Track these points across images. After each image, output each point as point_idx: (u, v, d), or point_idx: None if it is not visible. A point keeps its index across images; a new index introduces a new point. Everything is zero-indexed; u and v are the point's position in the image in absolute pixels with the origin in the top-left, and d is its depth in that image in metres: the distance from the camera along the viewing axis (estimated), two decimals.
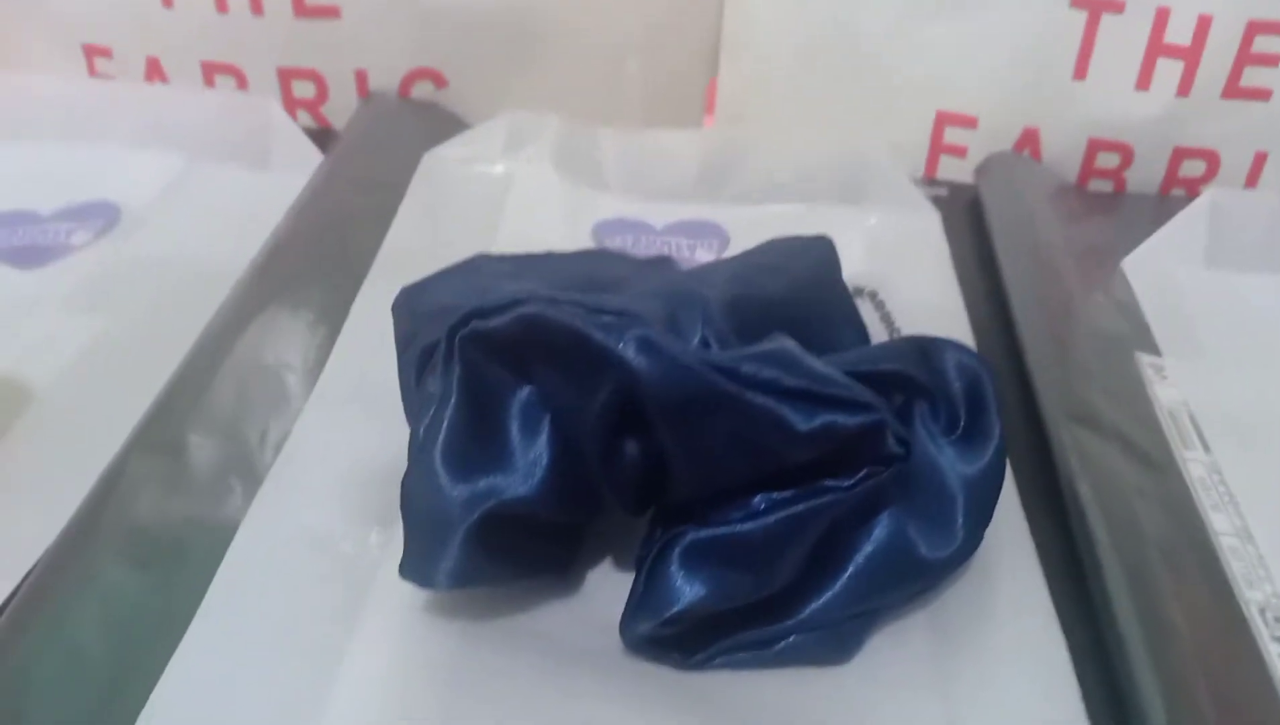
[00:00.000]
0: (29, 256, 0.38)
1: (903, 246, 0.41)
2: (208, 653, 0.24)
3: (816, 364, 0.22)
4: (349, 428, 0.31)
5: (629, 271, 0.32)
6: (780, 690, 0.25)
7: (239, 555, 0.26)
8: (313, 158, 0.45)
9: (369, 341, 0.34)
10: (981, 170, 0.47)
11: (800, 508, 0.23)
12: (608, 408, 0.22)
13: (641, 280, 0.31)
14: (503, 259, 0.33)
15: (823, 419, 0.22)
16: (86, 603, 0.25)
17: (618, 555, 0.28)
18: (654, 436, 0.23)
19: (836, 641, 0.25)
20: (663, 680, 0.25)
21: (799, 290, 0.32)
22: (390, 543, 0.27)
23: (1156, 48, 0.44)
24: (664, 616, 0.23)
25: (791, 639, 0.25)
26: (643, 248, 0.42)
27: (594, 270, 0.32)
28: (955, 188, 0.47)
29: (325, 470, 0.29)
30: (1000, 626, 0.26)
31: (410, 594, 0.26)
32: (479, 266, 0.32)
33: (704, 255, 0.42)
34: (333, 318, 0.35)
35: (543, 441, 0.24)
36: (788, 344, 0.23)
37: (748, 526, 0.23)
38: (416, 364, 0.29)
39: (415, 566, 0.24)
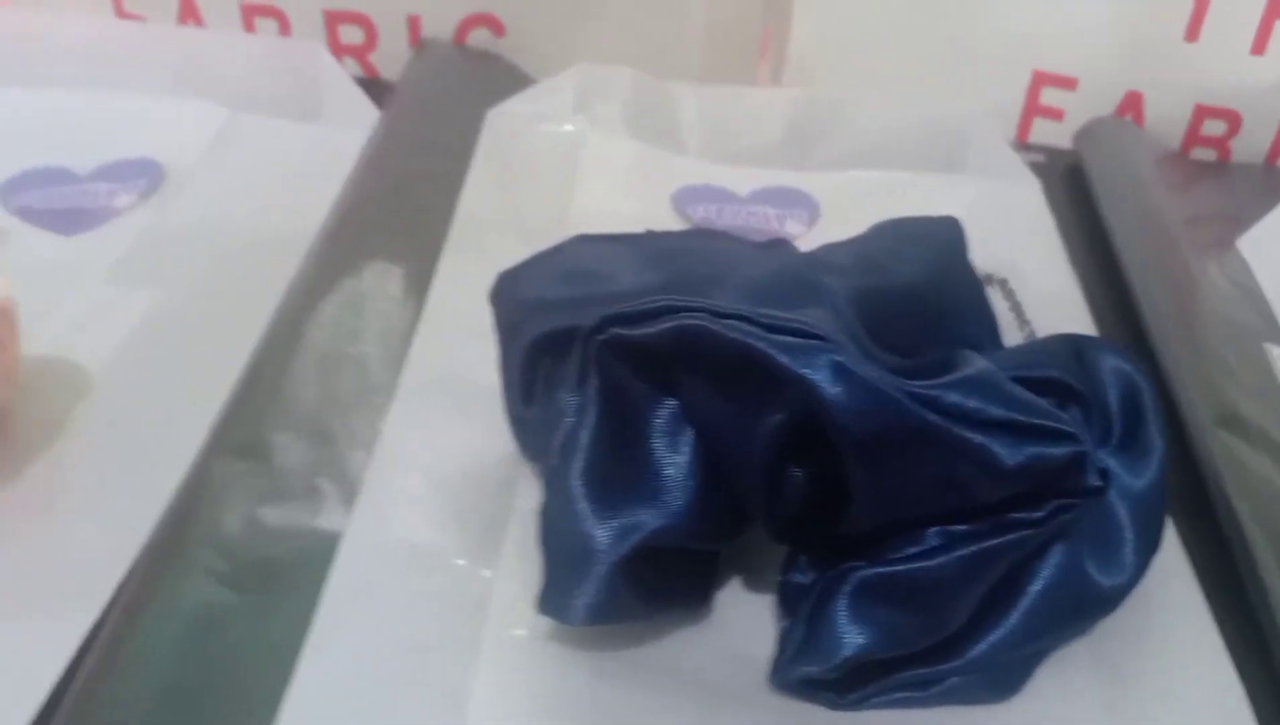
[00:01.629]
0: (70, 221, 0.35)
1: (1006, 220, 0.39)
2: (325, 687, 0.22)
3: (1016, 389, 0.20)
4: (442, 428, 0.28)
5: (742, 256, 0.29)
6: None
7: (343, 576, 0.24)
8: (365, 110, 0.41)
9: (452, 326, 0.31)
10: (1083, 135, 0.44)
11: (984, 544, 0.21)
12: (778, 432, 0.20)
13: (756, 266, 0.28)
14: (601, 240, 0.30)
15: (1029, 452, 0.19)
16: (180, 632, 0.22)
17: (749, 581, 0.25)
18: (824, 464, 0.20)
19: (1000, 680, 0.23)
20: (812, 720, 0.23)
21: (928, 279, 0.29)
22: (499, 559, 0.25)
23: (1276, 10, 0.41)
24: (828, 665, 0.21)
25: (954, 679, 0.23)
26: (727, 218, 0.39)
27: (703, 254, 0.29)
28: (1052, 153, 0.44)
29: (423, 477, 0.27)
30: (1170, 662, 0.24)
31: (532, 622, 0.23)
32: (578, 250, 0.29)
33: (794, 227, 0.39)
34: (410, 296, 0.32)
35: (687, 462, 0.22)
36: (983, 366, 0.20)
37: (924, 565, 0.21)
38: (523, 360, 0.27)
39: (552, 600, 0.22)
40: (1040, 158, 0.44)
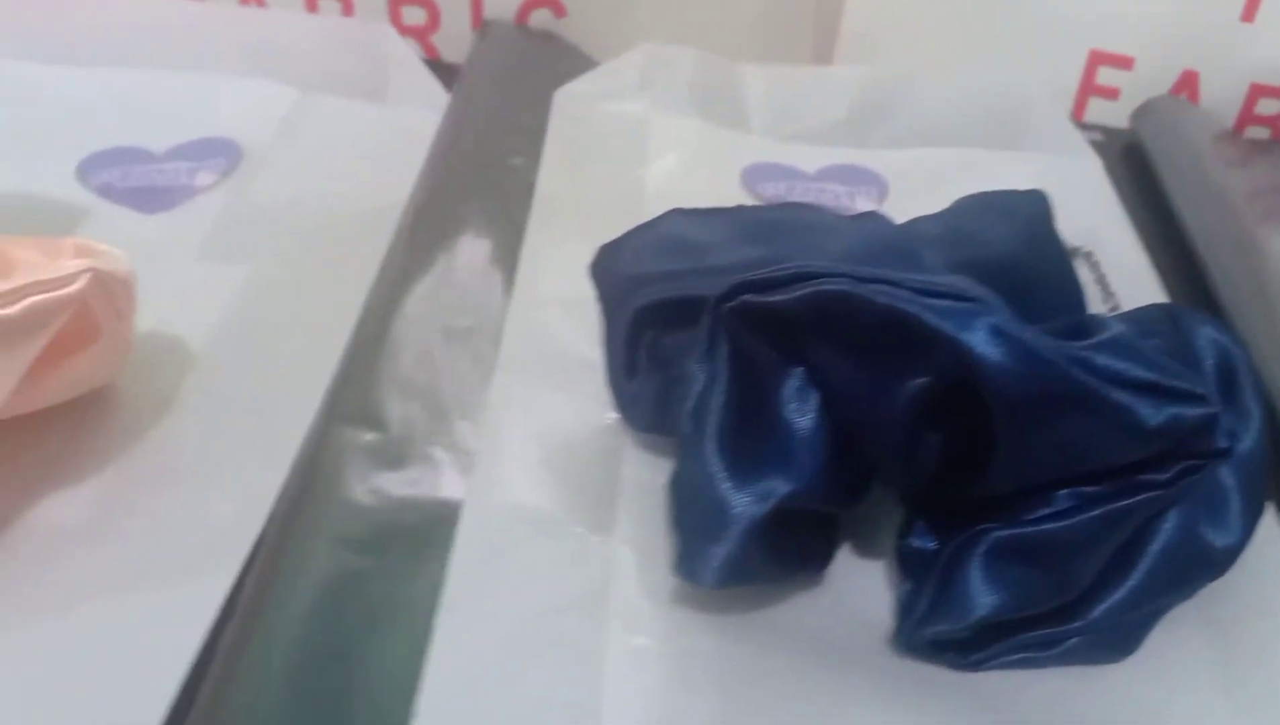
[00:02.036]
0: (151, 200, 0.35)
1: (1072, 196, 0.39)
2: (463, 650, 0.22)
3: (1151, 352, 0.20)
4: (543, 399, 0.28)
5: (837, 227, 0.30)
6: (1060, 690, 0.23)
7: (469, 541, 0.24)
8: (432, 90, 0.41)
9: (542, 301, 0.31)
10: (1140, 114, 0.44)
11: (1115, 505, 0.21)
12: (920, 396, 0.20)
13: (851, 237, 0.29)
14: (696, 214, 0.30)
15: (1169, 412, 0.20)
16: (316, 598, 0.23)
17: (860, 545, 0.26)
18: (963, 427, 0.21)
19: (1117, 640, 0.24)
20: (936, 681, 0.23)
21: (1018, 251, 0.30)
22: (615, 525, 0.25)
23: None
24: (961, 624, 0.21)
25: (1075, 640, 0.23)
26: (797, 195, 0.39)
27: (799, 225, 0.29)
28: (1109, 132, 0.45)
29: (531, 447, 0.27)
30: (1276, 622, 0.25)
31: (656, 585, 0.24)
32: (675, 224, 0.30)
33: (864, 203, 0.39)
34: (499, 272, 0.32)
35: (816, 428, 0.22)
36: (1121, 329, 0.21)
37: (1057, 525, 0.21)
38: (627, 332, 0.27)
39: (687, 562, 0.22)
40: (1099, 136, 0.44)
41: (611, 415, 0.28)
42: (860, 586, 0.25)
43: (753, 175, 0.40)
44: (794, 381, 0.22)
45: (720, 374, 0.22)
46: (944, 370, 0.20)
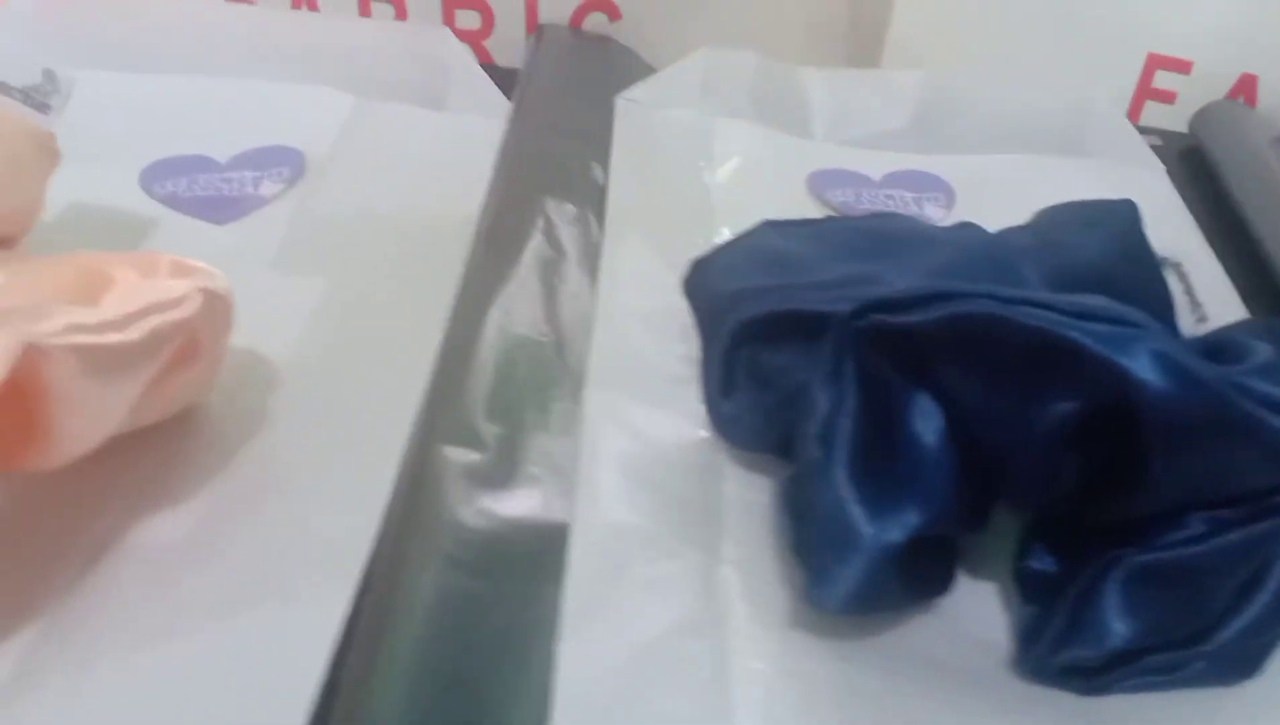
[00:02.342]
0: (219, 209, 0.35)
1: (1140, 204, 0.39)
2: (588, 675, 0.22)
3: None
4: (637, 414, 0.28)
5: (934, 238, 0.29)
6: (1187, 713, 0.23)
7: (580, 564, 0.24)
8: (491, 96, 0.41)
9: (626, 311, 0.31)
10: (1200, 118, 0.44)
11: (1252, 529, 0.21)
12: (1065, 420, 0.20)
13: (950, 249, 0.29)
14: (789, 226, 0.30)
15: None
16: (436, 619, 0.22)
17: (970, 566, 0.25)
18: (1105, 451, 0.20)
19: (1241, 663, 0.23)
20: (1057, 704, 0.23)
21: (1111, 262, 0.30)
22: (723, 545, 0.25)
23: None
24: (1097, 651, 0.21)
25: (1200, 664, 0.23)
26: (865, 201, 0.39)
27: (895, 237, 0.29)
28: (1166, 136, 0.44)
29: (632, 465, 0.27)
30: None
31: (770, 607, 0.24)
32: (768, 237, 0.29)
33: (932, 209, 0.39)
34: (579, 284, 0.32)
35: (943, 452, 0.22)
36: (1269, 350, 0.20)
37: (1193, 551, 0.21)
38: (724, 348, 0.27)
39: (815, 587, 0.22)
40: (1157, 141, 0.44)
41: (705, 432, 0.28)
42: (973, 609, 0.25)
43: (819, 181, 0.39)
44: (920, 403, 0.22)
45: (848, 396, 0.22)
46: (1095, 394, 0.19)
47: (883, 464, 0.21)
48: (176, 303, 0.22)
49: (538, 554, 0.24)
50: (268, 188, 0.36)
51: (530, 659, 0.22)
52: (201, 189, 0.36)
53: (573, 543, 0.24)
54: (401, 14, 0.44)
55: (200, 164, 0.37)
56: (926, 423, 0.22)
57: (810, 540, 0.22)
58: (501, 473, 0.26)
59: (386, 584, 0.23)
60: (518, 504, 0.25)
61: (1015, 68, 0.46)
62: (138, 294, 0.22)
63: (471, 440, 0.26)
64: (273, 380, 0.29)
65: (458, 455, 0.26)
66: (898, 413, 0.22)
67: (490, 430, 0.27)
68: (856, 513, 0.21)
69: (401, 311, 0.31)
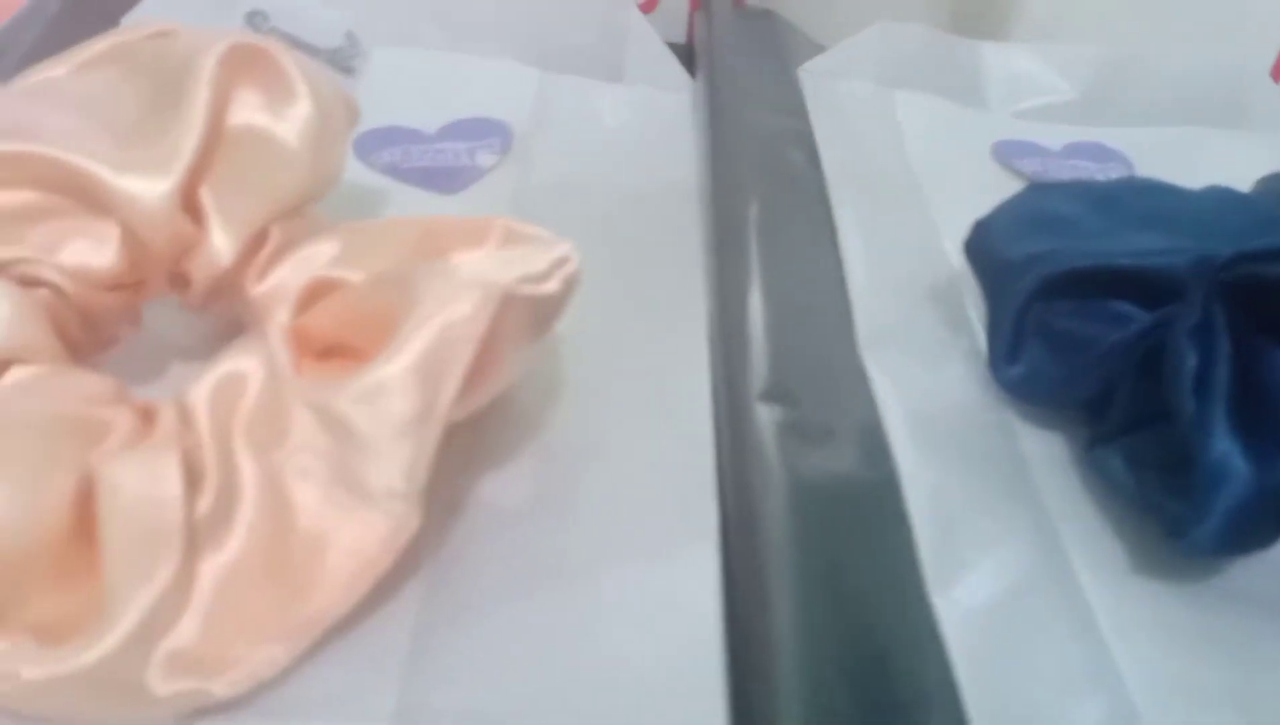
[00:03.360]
0: (444, 179, 0.35)
1: None
2: (968, 636, 0.22)
3: None
4: (920, 377, 0.29)
5: (1193, 201, 0.30)
6: None
7: (922, 521, 0.24)
8: (673, 71, 0.41)
9: (878, 281, 0.32)
10: None
11: None
12: None
13: (1217, 212, 0.29)
14: (1054, 189, 0.31)
15: None
16: (805, 575, 0.23)
17: None
18: None
19: None
20: None
21: None
22: (1043, 501, 0.26)
23: None
24: None
25: None
26: (1051, 171, 0.40)
27: (1163, 199, 0.30)
28: None
29: (930, 426, 0.27)
30: None
31: (1113, 560, 0.24)
32: (1040, 200, 0.30)
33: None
34: (819, 248, 0.33)
35: None
36: None
37: None
38: (1023, 302, 0.27)
39: (1180, 533, 0.22)
40: None
41: (983, 390, 0.29)
42: None
43: (1005, 151, 0.40)
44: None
45: (1219, 347, 0.22)
46: None
47: (1254, 412, 0.22)
48: (557, 266, 0.22)
49: (878, 513, 0.25)
50: (484, 159, 0.36)
51: (905, 612, 0.23)
52: (417, 159, 0.36)
53: (909, 499, 0.25)
54: None
55: (409, 135, 0.37)
56: None
57: (1177, 487, 0.23)
58: (815, 428, 0.26)
59: (748, 542, 0.23)
60: (839, 459, 0.26)
61: (1148, 44, 0.47)
62: (507, 261, 0.22)
63: (783, 396, 0.27)
64: (554, 347, 0.29)
65: (774, 412, 0.26)
66: (1267, 363, 0.22)
67: (791, 388, 0.27)
68: (1238, 458, 0.22)
69: (650, 276, 0.32)
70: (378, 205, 0.34)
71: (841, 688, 0.21)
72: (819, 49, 0.43)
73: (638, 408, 0.27)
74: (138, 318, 0.24)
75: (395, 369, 0.19)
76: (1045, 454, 0.27)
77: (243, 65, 0.24)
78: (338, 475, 0.20)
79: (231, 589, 0.19)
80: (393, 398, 0.19)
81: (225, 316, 0.25)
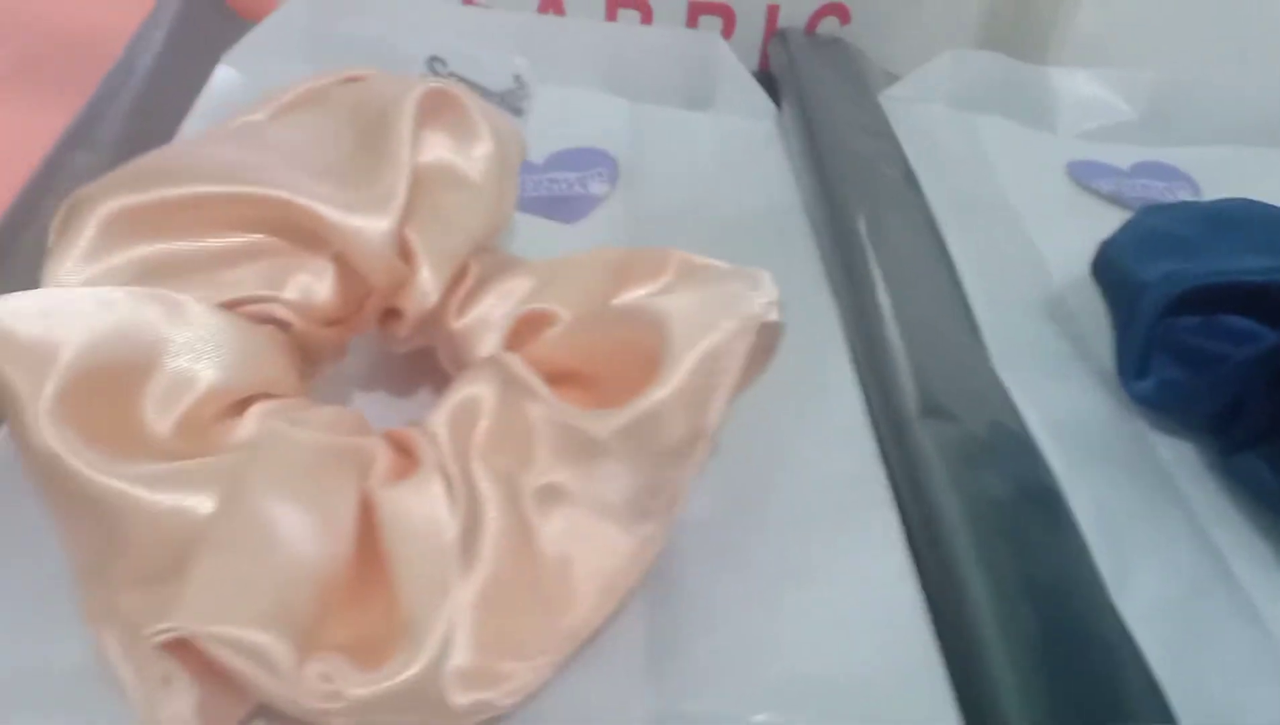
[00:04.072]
0: (563, 209, 0.36)
1: None
2: (1153, 626, 0.24)
3: None
4: (1055, 392, 0.30)
5: None
6: None
7: (1090, 528, 0.26)
8: (758, 100, 0.43)
9: (996, 298, 0.33)
10: None
11: None
12: None
13: None
14: (1165, 210, 0.32)
15: None
16: (999, 583, 0.24)
17: None
18: None
19: None
20: None
21: None
22: (1192, 507, 0.28)
23: None
24: None
25: None
26: (1125, 191, 0.41)
27: (1270, 219, 0.32)
28: None
29: (1074, 438, 0.29)
30: None
31: (1259, 555, 0.26)
32: (1154, 221, 0.32)
33: (1184, 198, 0.41)
34: (936, 273, 0.34)
35: None
36: None
37: None
38: (1150, 322, 0.29)
39: None
40: None
41: (1113, 402, 0.30)
42: None
43: (1079, 171, 0.42)
44: None
45: None
46: None
47: None
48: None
49: (1041, 517, 0.26)
50: (596, 187, 0.37)
51: (1097, 613, 0.24)
52: (533, 189, 0.37)
53: (1075, 506, 0.26)
54: (647, 16, 0.45)
55: (522, 166, 0.38)
56: None
57: None
58: (975, 442, 0.28)
59: (935, 552, 0.25)
60: (1003, 471, 0.27)
61: (1200, 66, 0.49)
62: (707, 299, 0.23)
63: (940, 412, 0.28)
64: None
65: (936, 428, 0.28)
66: None
67: (947, 404, 0.29)
68: None
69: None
70: (506, 236, 0.35)
71: (1057, 684, 0.22)
72: (885, 72, 0.45)
73: (793, 424, 0.28)
74: (344, 351, 0.25)
75: (665, 394, 0.20)
76: (1183, 461, 0.29)
77: (433, 108, 0.25)
78: (586, 495, 0.21)
79: (489, 606, 0.20)
80: (661, 423, 0.20)
81: (415, 348, 0.26)
